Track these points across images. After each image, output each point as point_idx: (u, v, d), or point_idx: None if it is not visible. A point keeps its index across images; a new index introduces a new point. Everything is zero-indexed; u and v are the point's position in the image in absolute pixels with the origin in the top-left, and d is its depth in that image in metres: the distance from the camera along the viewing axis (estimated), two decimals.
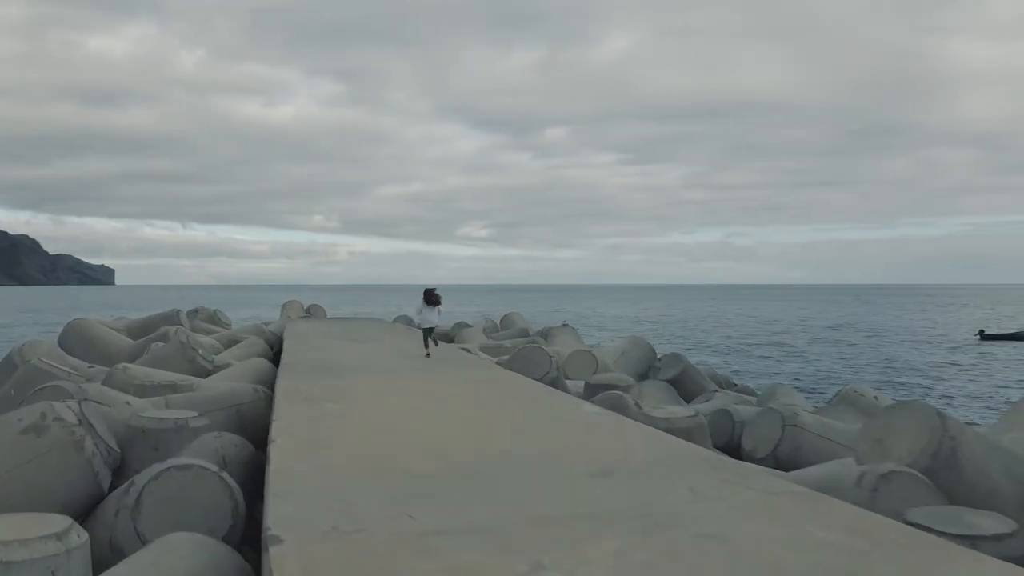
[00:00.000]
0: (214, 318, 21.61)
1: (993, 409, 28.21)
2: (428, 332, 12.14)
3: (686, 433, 7.49)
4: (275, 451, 5.27)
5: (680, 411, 8.20)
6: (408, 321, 24.76)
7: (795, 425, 8.06)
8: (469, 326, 21.03)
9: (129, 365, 11.44)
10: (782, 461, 7.95)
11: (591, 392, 10.15)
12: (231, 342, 17.34)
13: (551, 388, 8.77)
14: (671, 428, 7.46)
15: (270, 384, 12.58)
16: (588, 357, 13.21)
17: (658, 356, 14.76)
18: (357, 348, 13.53)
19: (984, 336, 56.18)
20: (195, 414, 7.69)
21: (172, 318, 19.34)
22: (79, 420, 5.66)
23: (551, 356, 11.34)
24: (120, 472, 7.19)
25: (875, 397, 10.25)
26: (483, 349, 16.11)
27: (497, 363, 11.84)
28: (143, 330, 18.64)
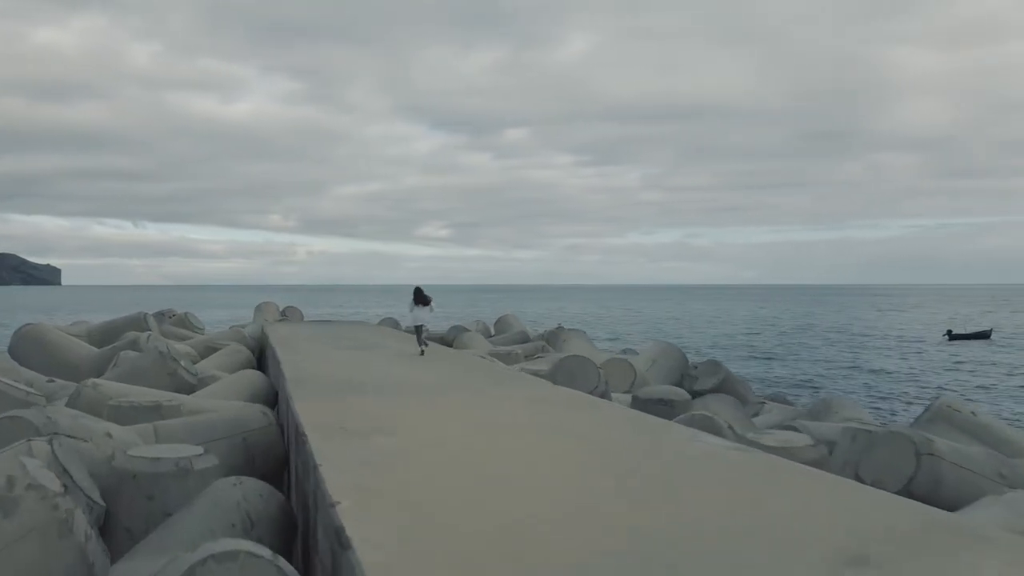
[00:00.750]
0: (185, 322, 19.57)
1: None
2: (419, 330, 12.52)
3: (814, 466, 6.07)
4: (352, 526, 3.64)
5: (797, 438, 6.76)
6: (394, 324, 23.04)
7: (931, 453, 6.71)
8: (467, 330, 19.40)
9: (99, 381, 9.59)
10: (918, 497, 6.60)
11: (641, 408, 8.72)
12: (208, 350, 15.44)
13: (638, 412, 7.26)
14: (793, 460, 6.02)
15: (268, 402, 10.85)
16: (625, 367, 11.76)
17: (692, 364, 13.40)
18: (364, 357, 11.83)
19: (952, 336, 56.75)
20: (199, 450, 5.99)
21: (139, 322, 17.32)
22: (63, 487, 3.89)
23: (599, 368, 9.84)
24: (106, 529, 5.46)
25: (972, 413, 9.01)
26: (494, 356, 14.54)
27: (533, 374, 10.30)
28: (107, 336, 16.60)
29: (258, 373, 11.37)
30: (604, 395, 9.58)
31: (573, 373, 9.70)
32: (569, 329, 17.27)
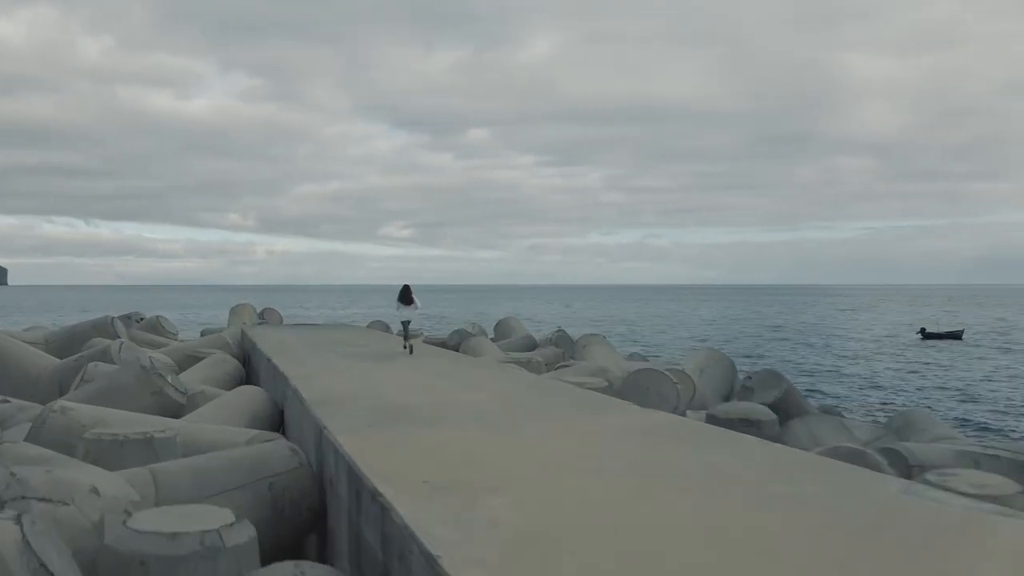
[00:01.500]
0: (157, 327, 17.51)
1: (970, 402, 27.43)
2: (405, 327, 13.07)
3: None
4: None
5: (992, 480, 5.29)
6: (384, 327, 21.30)
7: None
8: (473, 334, 17.73)
9: (70, 404, 7.73)
10: None
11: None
12: (189, 359, 13.52)
13: (788, 448, 5.72)
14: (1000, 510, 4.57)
15: (273, 425, 9.08)
16: (684, 379, 10.25)
17: (747, 375, 11.99)
18: (381, 369, 10.12)
19: (925, 335, 56.93)
20: (227, 516, 4.30)
21: (104, 328, 15.27)
22: None
23: (676, 383, 8.32)
24: None
25: None
26: (514, 364, 12.93)
27: (594, 391, 8.71)
28: (69, 343, 14.53)
29: (258, 390, 9.56)
30: (683, 415, 8.07)
31: (646, 389, 8.18)
32: (589, 334, 15.72)
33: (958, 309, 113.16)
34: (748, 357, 46.11)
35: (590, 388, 8.48)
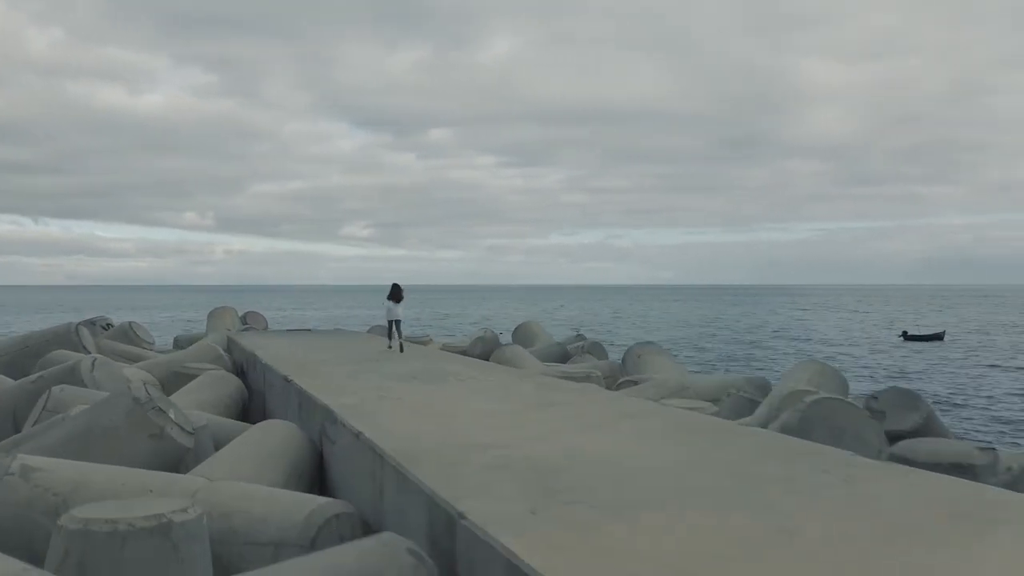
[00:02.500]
0: (130, 335, 14.79)
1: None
2: (395, 325, 13.09)
3: None
4: None
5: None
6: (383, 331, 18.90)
7: None
8: (509, 344, 15.40)
9: (33, 461, 5.30)
10: None
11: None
12: (175, 377, 10.98)
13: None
14: None
15: (313, 479, 6.70)
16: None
17: (872, 395, 9.95)
18: (454, 397, 7.75)
19: (907, 337, 56.51)
20: None
21: (67, 337, 12.58)
22: None
23: (868, 415, 6.19)
24: None
25: None
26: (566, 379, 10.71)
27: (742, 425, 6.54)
28: (22, 358, 11.82)
29: (291, 427, 7.09)
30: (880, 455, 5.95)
31: (827, 424, 6.02)
32: (643, 343, 13.55)
33: (923, 309, 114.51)
34: (734, 361, 44.67)
35: (685, 409, 6.29)
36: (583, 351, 16.10)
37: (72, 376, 9.11)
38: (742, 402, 10.14)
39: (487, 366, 11.13)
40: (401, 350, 12.68)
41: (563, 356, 15.95)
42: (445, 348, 15.44)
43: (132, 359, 12.84)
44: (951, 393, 30.02)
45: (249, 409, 10.50)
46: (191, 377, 10.49)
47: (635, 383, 11.29)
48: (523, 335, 17.68)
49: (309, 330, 18.87)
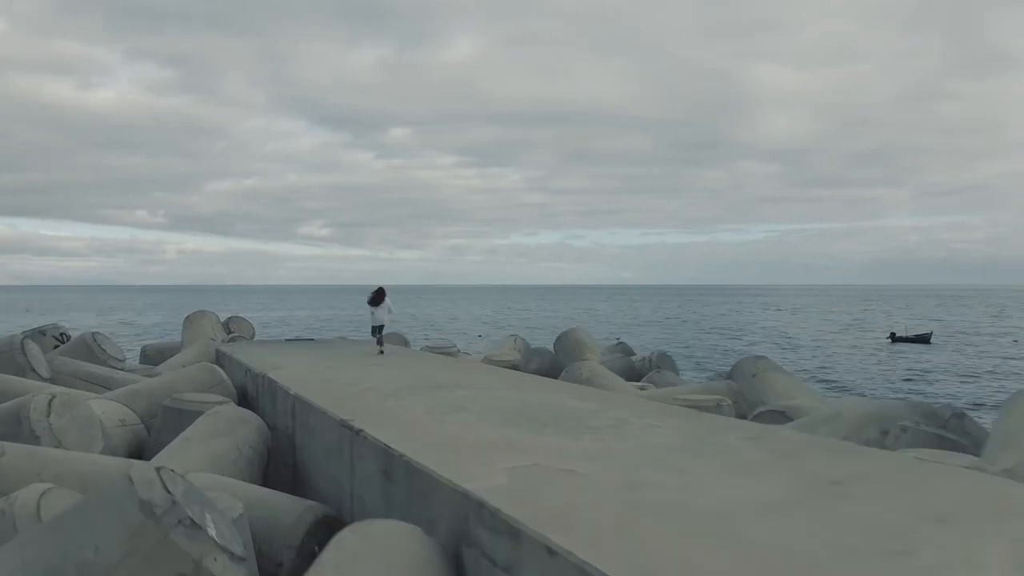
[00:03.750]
0: (94, 350, 11.46)
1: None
2: (378, 331, 12.61)
3: None
4: None
5: None
6: (403, 341, 15.86)
7: None
8: (585, 360, 12.46)
9: None
10: None
11: None
12: (170, 415, 7.80)
13: None
14: None
15: None
16: None
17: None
18: (691, 469, 4.86)
19: (895, 339, 55.48)
20: None
21: (10, 355, 9.31)
22: None
23: None
24: None
25: None
26: (668, 402, 7.92)
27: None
28: None
29: (415, 538, 4.11)
30: None
31: None
32: (756, 357, 10.79)
33: (893, 310, 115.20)
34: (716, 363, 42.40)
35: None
36: (652, 365, 13.32)
37: (17, 426, 5.93)
38: (922, 437, 7.55)
39: (590, 392, 8.25)
40: (380, 352, 12.30)
41: (633, 372, 13.15)
42: (489, 361, 12.49)
43: (100, 385, 9.59)
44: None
45: (273, 461, 7.42)
46: (190, 414, 7.36)
47: (781, 413, 8.52)
48: (570, 345, 14.81)
49: (312, 340, 15.67)
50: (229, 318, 17.25)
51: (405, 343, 16.15)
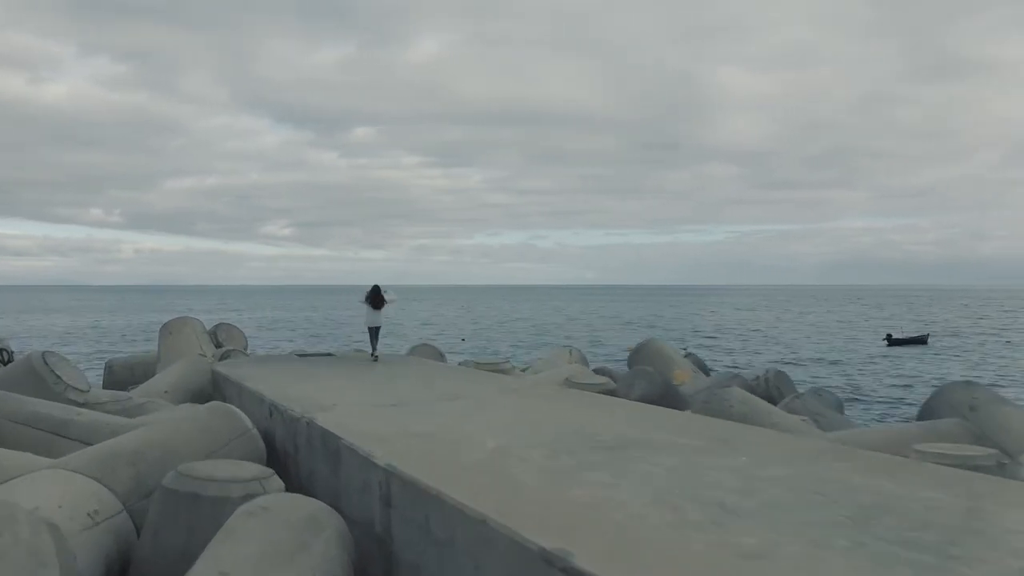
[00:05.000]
0: (42, 379, 8.05)
1: None
2: (374, 333, 11.50)
3: None
4: None
5: None
6: (438, 354, 12.77)
7: None
8: (728, 385, 9.45)
9: None
10: None
11: None
12: (179, 503, 4.60)
13: None
14: None
15: None
16: None
17: None
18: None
19: (892, 341, 53.92)
20: None
21: None
22: None
23: None
24: None
25: None
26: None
27: None
28: None
29: None
30: None
31: None
32: (967, 384, 7.96)
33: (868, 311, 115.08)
34: (729, 364, 39.84)
35: None
36: (770, 388, 10.44)
37: None
38: None
39: (646, 409, 5.36)
40: (374, 359, 11.15)
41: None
42: (573, 385, 9.45)
43: (53, 432, 6.30)
44: None
45: None
46: (213, 505, 4.20)
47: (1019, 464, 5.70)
48: (652, 360, 11.85)
49: (330, 354, 12.38)
50: (217, 325, 13.87)
51: (440, 356, 13.03)
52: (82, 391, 8.07)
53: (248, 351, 14.06)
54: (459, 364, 12.60)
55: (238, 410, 6.33)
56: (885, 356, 47.67)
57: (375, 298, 11.37)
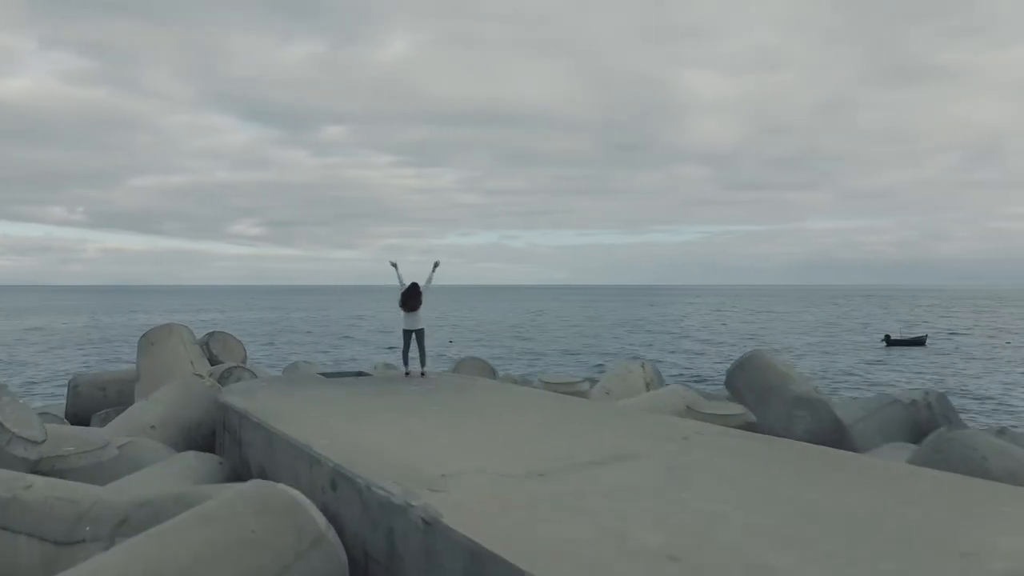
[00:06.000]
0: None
1: None
2: (416, 338, 9.42)
3: None
4: None
5: None
6: (487, 369, 10.27)
7: None
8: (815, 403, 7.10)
9: None
10: None
11: None
12: None
13: None
14: None
15: None
16: None
17: None
18: None
19: (890, 342, 52.75)
20: None
21: None
22: None
23: None
24: None
25: None
26: None
27: None
28: None
29: None
30: None
31: None
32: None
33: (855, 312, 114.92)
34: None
35: None
36: (934, 415, 8.13)
37: None
38: None
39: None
40: (422, 374, 9.32)
41: (909, 423, 7.93)
42: (698, 416, 7.00)
43: None
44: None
45: None
46: None
47: None
48: (761, 379, 9.45)
49: (361, 374, 9.66)
50: (210, 335, 11.12)
51: (492, 373, 10.50)
52: (35, 443, 5.39)
53: (246, 362, 11.36)
54: (510, 380, 10.06)
55: (303, 499, 3.74)
56: (882, 357, 46.35)
57: (410, 298, 9.38)
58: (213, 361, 10.75)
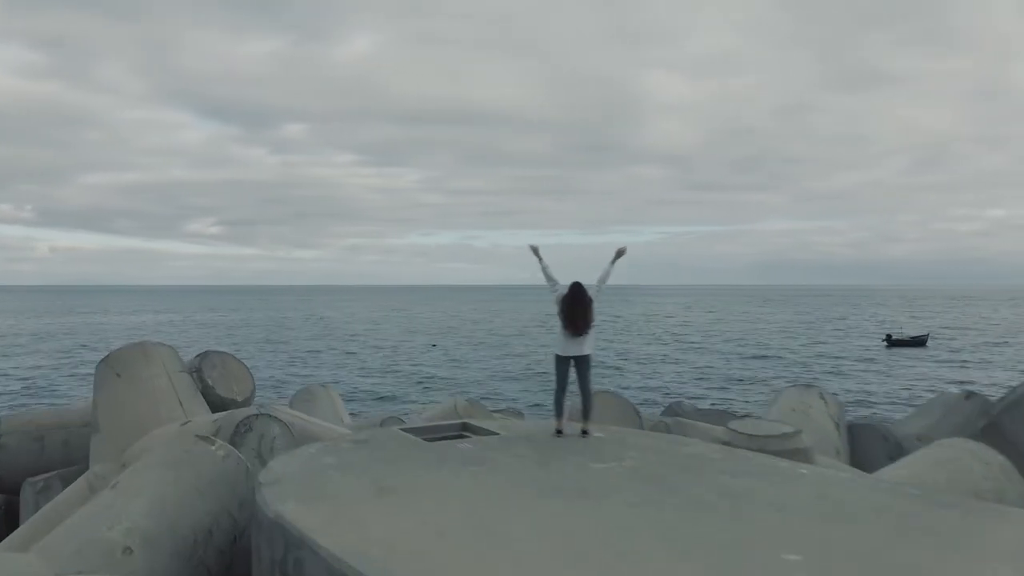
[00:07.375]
0: None
1: None
2: (573, 365, 5.79)
3: None
4: None
5: None
6: (634, 413, 6.79)
7: None
8: None
9: None
10: None
11: None
12: None
13: None
14: None
15: None
16: None
17: None
18: None
19: (891, 342, 51.20)
20: None
21: None
22: None
23: None
24: None
25: None
26: None
27: None
28: None
29: None
30: None
31: None
32: None
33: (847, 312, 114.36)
34: (735, 365, 35.25)
35: None
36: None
37: None
38: None
39: None
40: (583, 432, 5.60)
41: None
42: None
43: None
44: None
45: None
46: None
47: None
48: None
49: (467, 428, 6.07)
50: (202, 357, 7.55)
51: (635, 414, 7.16)
52: None
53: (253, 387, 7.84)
54: (662, 427, 6.74)
55: None
56: (883, 357, 44.46)
57: (575, 307, 5.62)
58: (209, 395, 7.21)
